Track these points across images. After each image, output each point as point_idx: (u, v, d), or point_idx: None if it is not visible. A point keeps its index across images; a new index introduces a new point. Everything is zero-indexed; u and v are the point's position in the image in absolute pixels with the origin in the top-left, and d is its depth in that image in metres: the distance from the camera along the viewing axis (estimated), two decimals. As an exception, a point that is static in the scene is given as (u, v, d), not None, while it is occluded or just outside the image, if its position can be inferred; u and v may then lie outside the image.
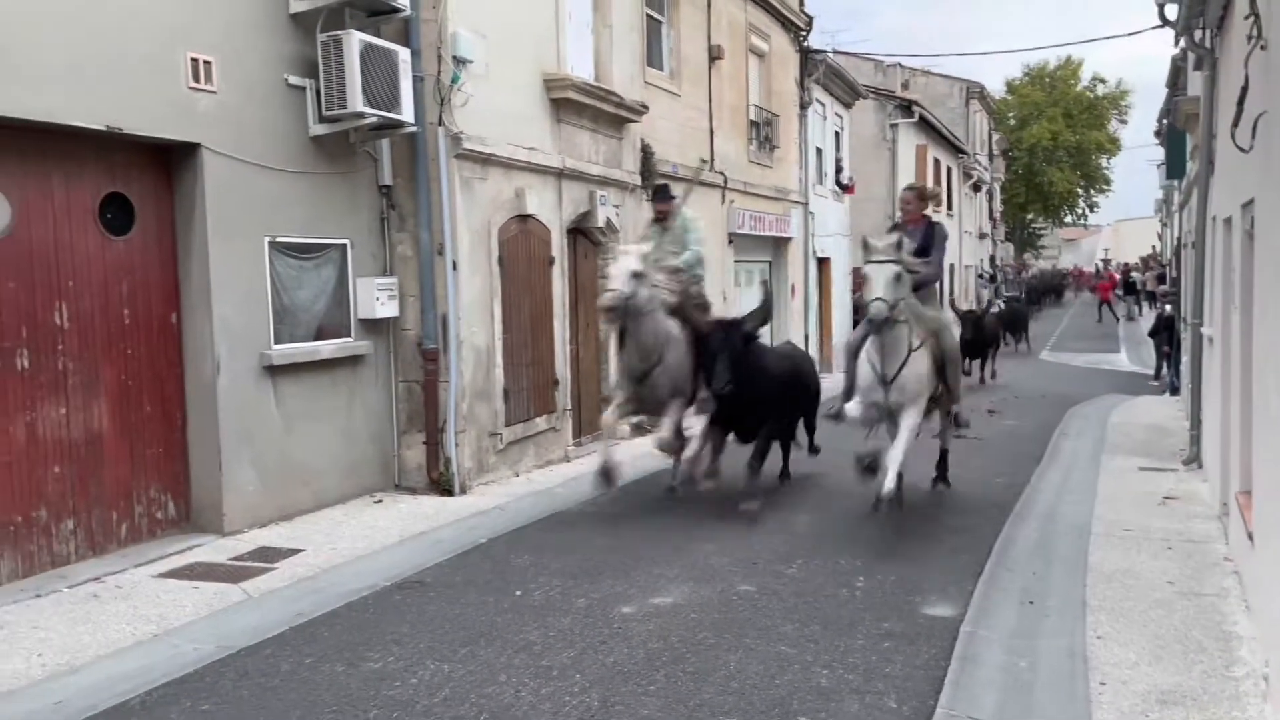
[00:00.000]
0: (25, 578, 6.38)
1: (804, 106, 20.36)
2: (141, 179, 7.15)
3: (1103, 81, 58.50)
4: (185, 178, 7.32)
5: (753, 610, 5.72)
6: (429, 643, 5.27)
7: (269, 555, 7.00)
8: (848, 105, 24.76)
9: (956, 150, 36.48)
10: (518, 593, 6.11)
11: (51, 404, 6.57)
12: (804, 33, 20.05)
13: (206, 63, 7.18)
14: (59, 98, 6.25)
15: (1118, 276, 45.51)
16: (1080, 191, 60.29)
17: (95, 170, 6.84)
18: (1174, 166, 17.28)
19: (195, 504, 7.55)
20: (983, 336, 18.51)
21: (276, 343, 7.90)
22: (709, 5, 15.39)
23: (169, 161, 7.30)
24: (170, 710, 4.50)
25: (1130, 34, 52.86)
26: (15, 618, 5.71)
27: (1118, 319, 38.05)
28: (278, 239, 7.92)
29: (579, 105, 10.81)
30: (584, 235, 11.55)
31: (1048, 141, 55.52)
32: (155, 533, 7.32)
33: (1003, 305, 27.74)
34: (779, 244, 19.12)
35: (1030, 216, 62.33)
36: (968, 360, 17.25)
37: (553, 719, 4.32)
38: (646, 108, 12.34)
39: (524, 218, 10.01)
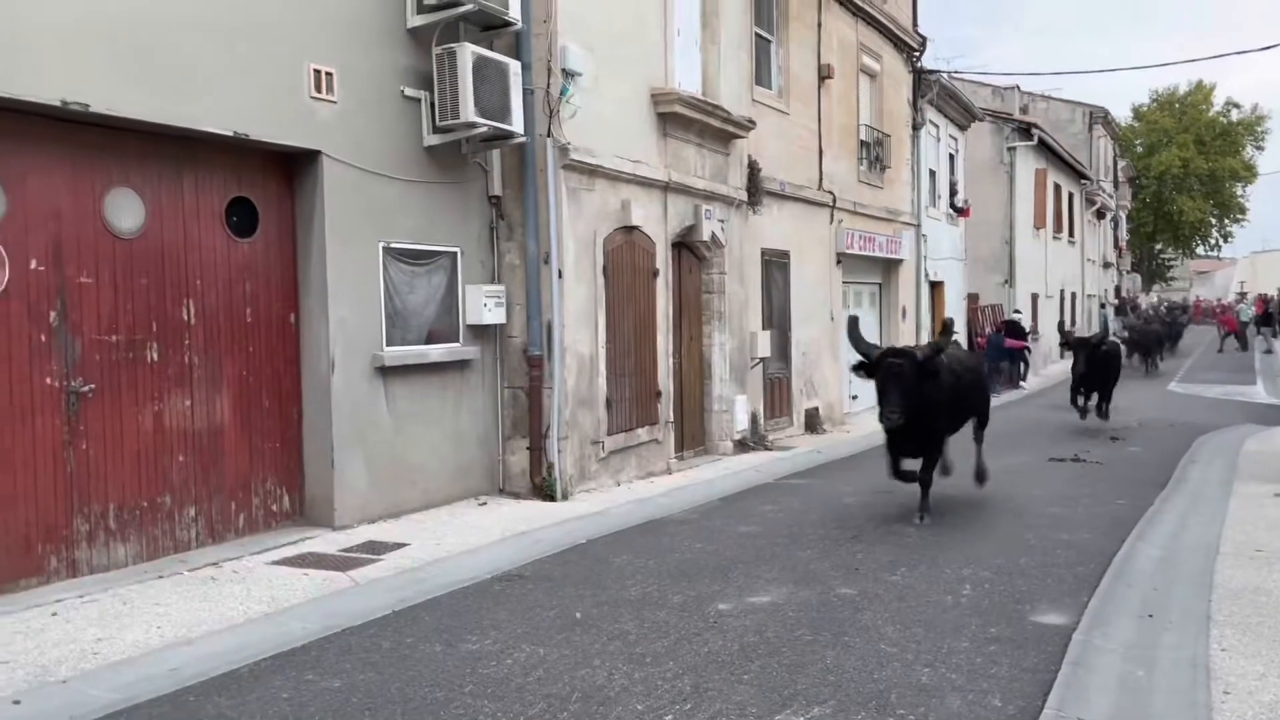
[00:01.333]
0: (149, 560, 6.70)
1: (916, 127, 20.06)
2: (265, 184, 7.51)
3: (1237, 107, 55.94)
4: (306, 183, 7.65)
5: (853, 611, 5.59)
6: (525, 629, 5.32)
7: (376, 548, 7.18)
8: (963, 127, 24.30)
9: (1079, 175, 35.32)
10: (613, 588, 6.12)
11: (178, 395, 6.91)
12: (917, 53, 19.81)
13: (328, 74, 7.52)
14: (194, 105, 6.62)
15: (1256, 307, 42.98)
16: (1213, 221, 57.56)
17: (223, 175, 7.21)
18: (1315, 186, 16.34)
19: (308, 498, 7.82)
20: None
21: (388, 345, 8.15)
22: (819, 25, 15.36)
23: (291, 168, 7.64)
24: (275, 679, 4.64)
25: (1265, 48, 50.22)
26: (138, 595, 5.99)
27: (1244, 348, 35.96)
28: (392, 245, 8.19)
29: (686, 119, 10.89)
30: (688, 249, 11.60)
31: (1178, 169, 53.26)
32: (270, 524, 7.59)
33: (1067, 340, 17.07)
34: (889, 266, 18.80)
35: (1159, 247, 59.76)
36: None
37: (645, 700, 4.29)
38: (754, 123, 12.35)
39: (629, 229, 10.11)
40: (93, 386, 6.35)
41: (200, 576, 6.43)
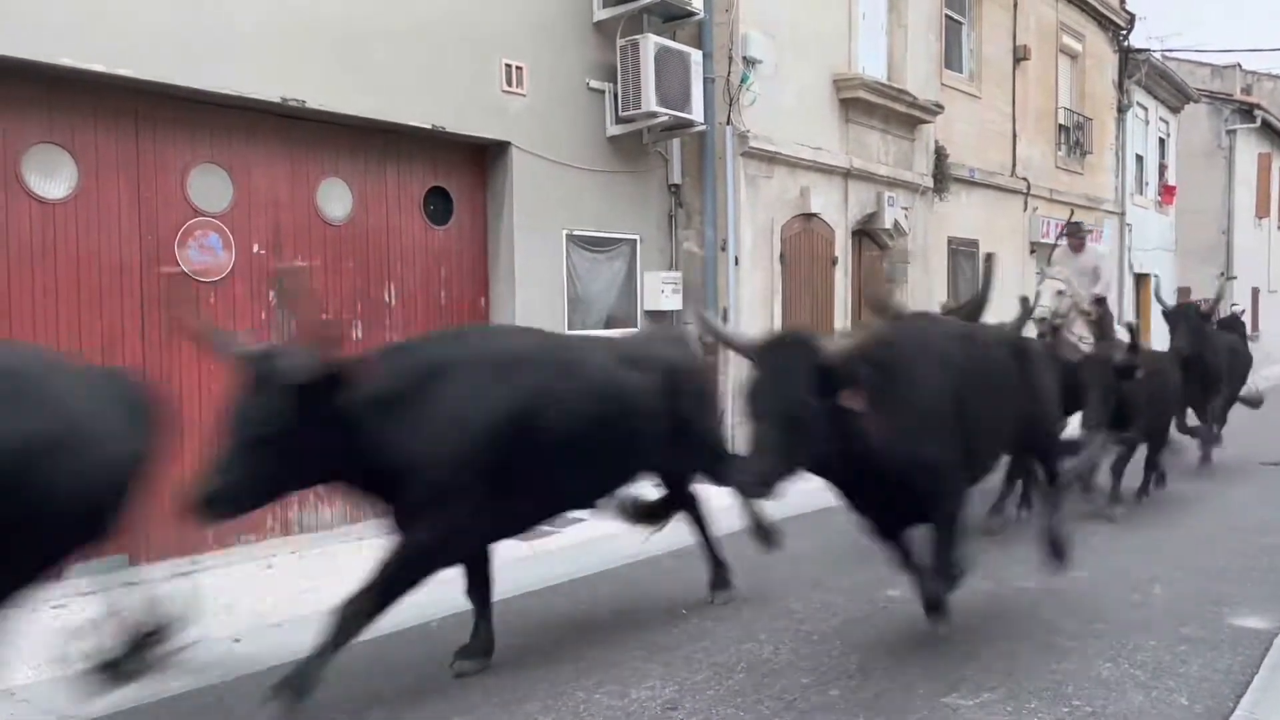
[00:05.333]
0: (351, 523, 7.24)
1: (1122, 110, 18.94)
2: (459, 174, 7.95)
3: None
4: (496, 174, 8.05)
5: (1030, 605, 5.41)
6: (694, 602, 5.45)
7: (554, 521, 7.47)
8: (1175, 109, 22.72)
9: (1310, 160, 32.27)
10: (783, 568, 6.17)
11: (379, 371, 7.42)
12: (1124, 31, 18.68)
13: (518, 68, 7.88)
14: (397, 101, 7.11)
15: None
16: None
17: (421, 166, 7.69)
18: None
19: (494, 473, 8.23)
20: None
21: (570, 329, 8.46)
22: (1015, 5, 14.75)
23: (483, 158, 8.06)
24: (460, 633, 4.95)
25: None
26: (342, 553, 6.53)
27: None
28: (574, 232, 8.50)
29: (869, 105, 10.74)
30: (869, 237, 11.43)
31: None
32: (459, 496, 8.04)
33: None
34: (1088, 256, 17.83)
35: None
36: None
37: (810, 674, 4.33)
38: (941, 108, 12.03)
39: (808, 216, 10.08)
40: (305, 361, 6.93)
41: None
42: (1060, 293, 9.42)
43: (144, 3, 5.79)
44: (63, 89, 5.70)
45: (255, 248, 6.66)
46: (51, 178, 5.73)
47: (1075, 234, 9.76)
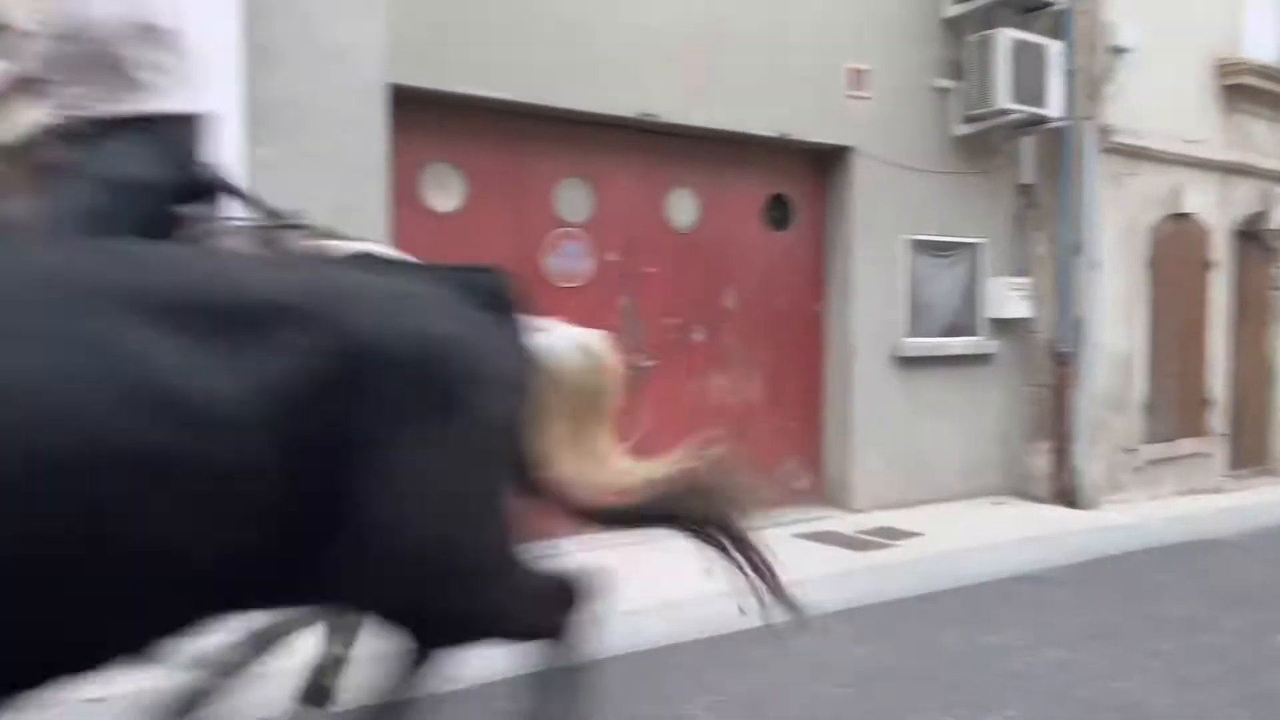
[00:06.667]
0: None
1: None
2: (799, 180, 7.99)
3: None
4: (836, 179, 8.00)
5: None
6: (1048, 632, 5.11)
7: (890, 534, 7.33)
8: None
9: None
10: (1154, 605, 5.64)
11: (717, 373, 7.64)
12: None
13: (863, 71, 7.79)
14: (743, 111, 7.26)
15: None
16: None
17: (762, 173, 7.80)
18: None
19: (826, 479, 8.19)
20: None
21: (909, 336, 8.24)
22: None
23: (822, 164, 8.03)
24: (805, 638, 4.97)
25: None
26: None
27: None
28: (916, 237, 8.26)
29: (1255, 91, 9.56)
30: (1253, 239, 10.17)
31: None
32: (788, 500, 8.07)
33: None
34: None
35: None
36: None
37: (1192, 725, 3.94)
38: (1347, 90, 10.46)
39: (1178, 216, 9.15)
40: (653, 363, 7.27)
41: (731, 540, 7.05)
42: None
43: (521, 31, 6.33)
44: (455, 112, 6.35)
45: (610, 255, 7.07)
46: (444, 193, 6.41)
47: None
